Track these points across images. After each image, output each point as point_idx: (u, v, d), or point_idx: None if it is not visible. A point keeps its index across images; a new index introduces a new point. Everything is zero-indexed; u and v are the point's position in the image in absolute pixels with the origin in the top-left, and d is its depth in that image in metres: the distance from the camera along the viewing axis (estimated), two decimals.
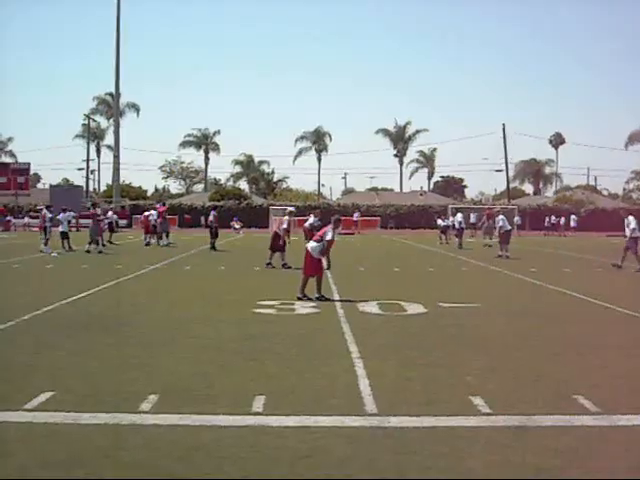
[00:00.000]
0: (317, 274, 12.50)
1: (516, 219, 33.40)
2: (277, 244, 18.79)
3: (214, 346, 8.40)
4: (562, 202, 67.89)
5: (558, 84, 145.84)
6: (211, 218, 27.29)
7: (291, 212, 20.11)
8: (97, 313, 10.97)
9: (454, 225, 33.52)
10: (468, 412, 5.74)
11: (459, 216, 32.15)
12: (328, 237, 12.34)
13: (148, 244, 29.88)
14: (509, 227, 25.46)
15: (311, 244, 12.57)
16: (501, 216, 25.36)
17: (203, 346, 8.40)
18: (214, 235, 26.98)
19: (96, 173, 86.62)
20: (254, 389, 6.32)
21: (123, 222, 48.80)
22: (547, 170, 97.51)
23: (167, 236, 30.63)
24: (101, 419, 5.41)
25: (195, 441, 4.97)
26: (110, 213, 32.14)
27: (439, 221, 38.47)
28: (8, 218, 49.74)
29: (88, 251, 24.63)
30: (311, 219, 21.18)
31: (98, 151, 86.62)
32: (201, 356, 7.83)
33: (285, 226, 18.83)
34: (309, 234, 18.43)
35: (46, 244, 24.75)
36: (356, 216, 54.47)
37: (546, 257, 26.55)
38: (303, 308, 11.53)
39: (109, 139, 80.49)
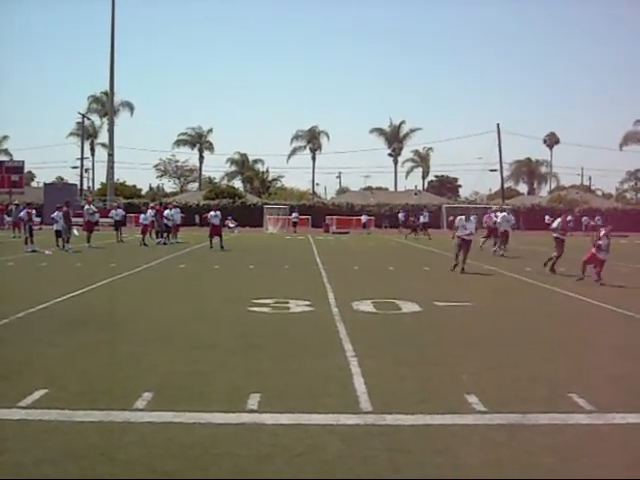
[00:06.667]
0: None
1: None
2: None
3: (209, 344, 8.38)
4: (556, 202, 68.08)
5: (553, 84, 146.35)
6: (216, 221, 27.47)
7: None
8: (91, 311, 10.93)
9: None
10: (463, 410, 5.74)
11: (500, 215, 27.54)
12: None
13: (163, 243, 30.32)
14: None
15: None
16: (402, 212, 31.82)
17: (197, 344, 8.38)
18: (217, 233, 27.14)
19: (90, 171, 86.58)
20: (249, 387, 6.31)
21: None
22: (542, 170, 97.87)
23: (162, 235, 31.00)
24: (95, 417, 5.40)
25: (190, 438, 4.96)
26: (114, 211, 32.57)
27: (421, 218, 40.24)
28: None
29: (67, 250, 24.77)
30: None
31: (92, 149, 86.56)
32: (195, 354, 7.81)
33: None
34: None
35: (26, 242, 24.77)
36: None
37: (541, 256, 26.54)
38: (297, 306, 11.52)
39: (103, 137, 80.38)
